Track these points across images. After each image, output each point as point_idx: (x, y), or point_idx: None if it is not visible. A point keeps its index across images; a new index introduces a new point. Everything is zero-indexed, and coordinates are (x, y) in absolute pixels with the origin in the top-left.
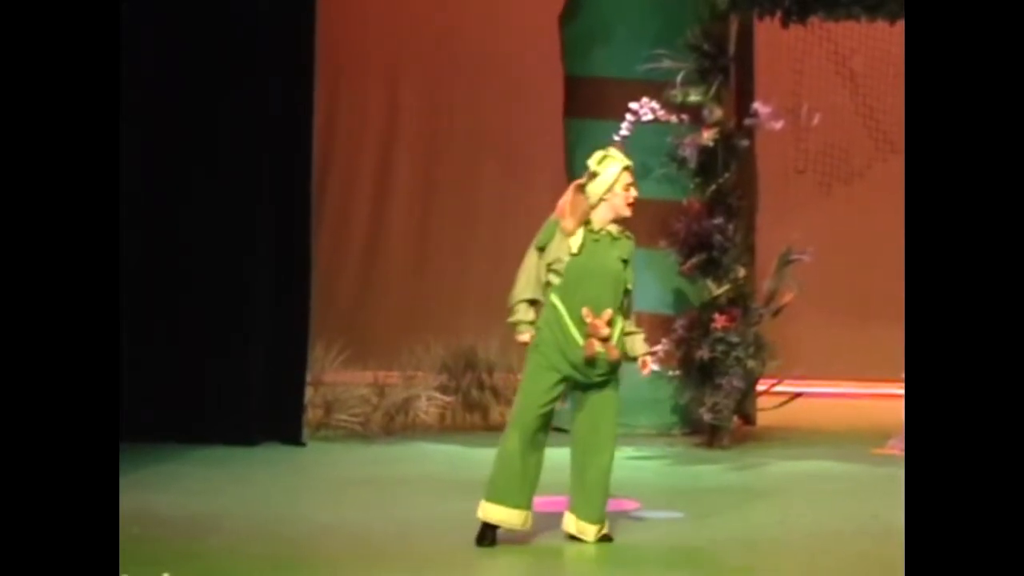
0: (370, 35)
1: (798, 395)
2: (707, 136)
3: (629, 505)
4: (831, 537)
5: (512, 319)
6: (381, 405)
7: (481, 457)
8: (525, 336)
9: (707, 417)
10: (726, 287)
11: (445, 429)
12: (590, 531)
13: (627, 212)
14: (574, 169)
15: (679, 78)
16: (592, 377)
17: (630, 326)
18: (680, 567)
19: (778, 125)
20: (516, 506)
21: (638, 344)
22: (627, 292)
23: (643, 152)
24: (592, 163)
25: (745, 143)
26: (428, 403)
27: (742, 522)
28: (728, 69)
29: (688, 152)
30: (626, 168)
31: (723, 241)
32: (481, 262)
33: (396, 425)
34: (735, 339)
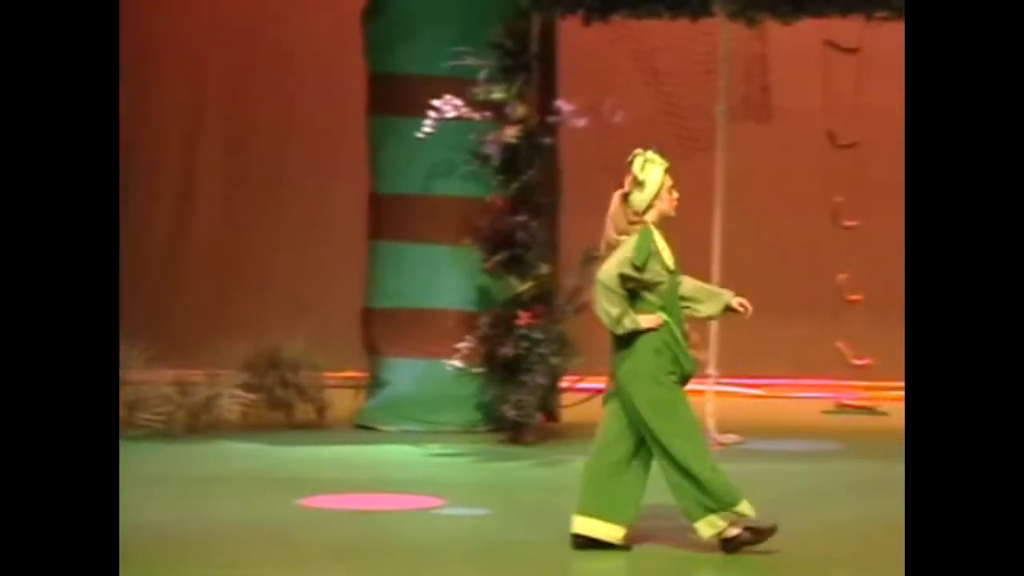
0: (176, 28)
1: (601, 391)
2: (510, 133)
3: (433, 502)
4: (635, 531)
5: (628, 325)
6: (184, 404)
7: (285, 455)
8: (648, 321)
9: (511, 414)
10: (530, 284)
11: (249, 427)
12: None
13: (673, 213)
14: (377, 165)
15: (483, 75)
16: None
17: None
18: (485, 563)
19: (581, 123)
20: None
21: (720, 299)
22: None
23: (447, 149)
24: (636, 170)
25: (548, 141)
26: (232, 401)
27: (547, 518)
28: (531, 67)
29: (491, 149)
30: (666, 170)
31: (527, 238)
32: (287, 260)
33: (200, 424)
34: (539, 336)
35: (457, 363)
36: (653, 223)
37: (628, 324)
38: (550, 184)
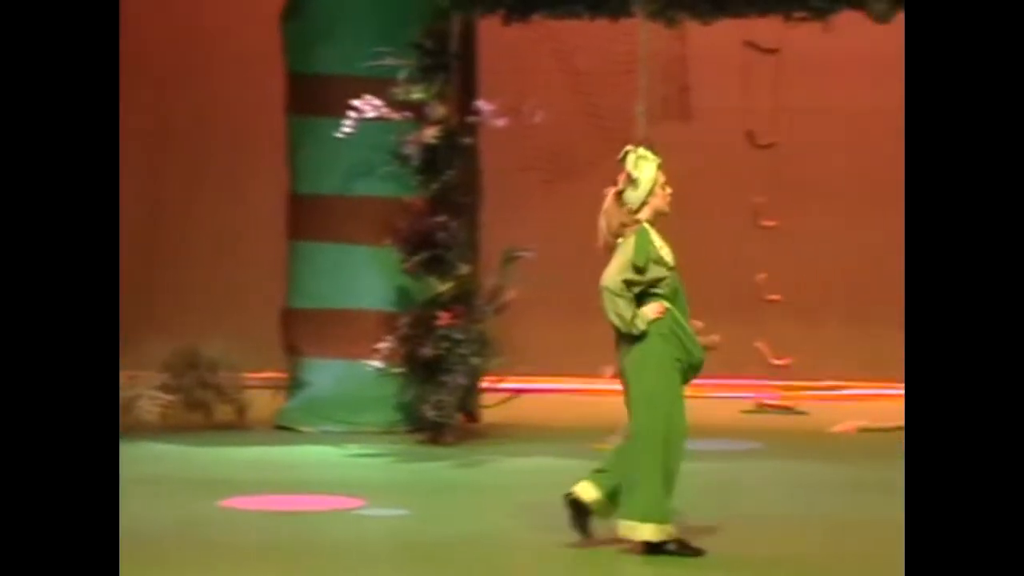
0: None
1: (521, 392)
2: (430, 133)
3: (353, 503)
4: (555, 531)
5: (641, 325)
6: None
7: (205, 456)
8: (653, 311)
9: (431, 414)
10: (450, 284)
11: (168, 428)
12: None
13: (668, 210)
14: (296, 166)
15: (402, 75)
16: (696, 376)
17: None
18: (405, 564)
19: (501, 123)
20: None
21: None
22: None
23: (366, 149)
24: (629, 167)
25: (468, 141)
26: (150, 402)
27: (465, 518)
28: (450, 67)
29: (411, 149)
30: (658, 166)
31: (447, 238)
32: (205, 260)
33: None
34: (459, 336)
35: (377, 363)
36: (647, 220)
37: (640, 324)
38: (470, 184)
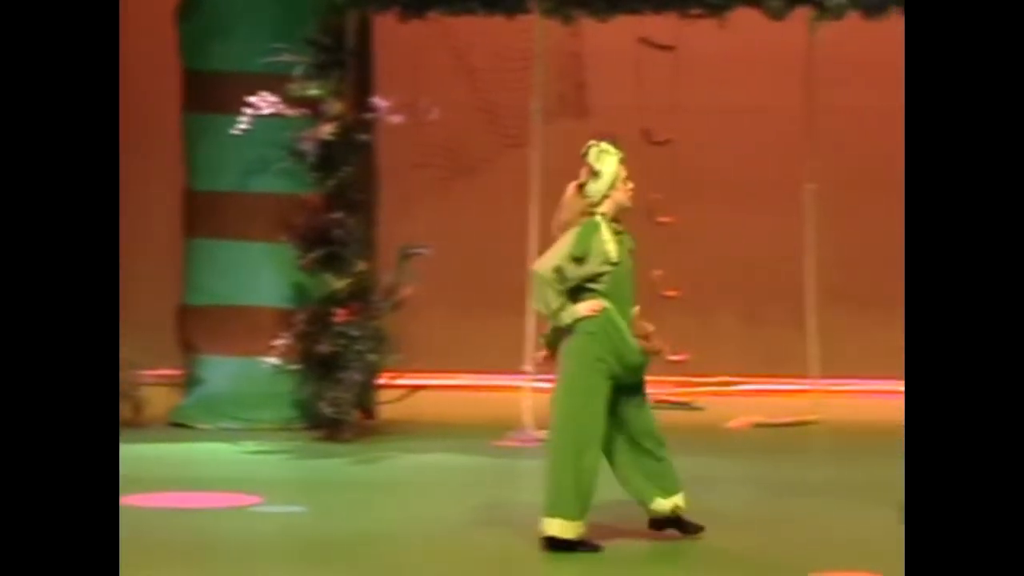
0: None
1: (418, 388)
2: (326, 130)
3: (250, 500)
4: (453, 528)
5: (566, 318)
6: None
7: None
8: (586, 308)
9: (328, 411)
10: (346, 281)
11: None
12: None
13: (629, 204)
14: (192, 162)
15: (298, 72)
16: (638, 377)
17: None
18: (300, 561)
19: (397, 119)
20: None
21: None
22: None
23: (262, 146)
24: (591, 160)
25: (364, 137)
26: None
27: (363, 515)
28: (346, 63)
29: (307, 146)
30: (621, 160)
31: (343, 235)
32: None
33: None
34: (356, 333)
35: (273, 360)
36: (608, 213)
37: (566, 317)
38: (366, 181)
